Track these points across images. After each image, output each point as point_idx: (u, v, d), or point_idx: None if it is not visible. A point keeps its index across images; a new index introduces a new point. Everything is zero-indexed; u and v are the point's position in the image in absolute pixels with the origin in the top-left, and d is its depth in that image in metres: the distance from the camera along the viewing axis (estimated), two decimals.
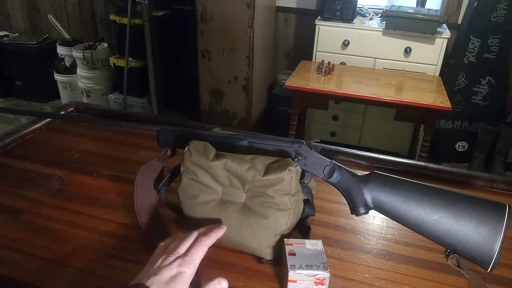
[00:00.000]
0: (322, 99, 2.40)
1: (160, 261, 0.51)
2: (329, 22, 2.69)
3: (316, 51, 2.76)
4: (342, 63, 2.72)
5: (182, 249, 0.54)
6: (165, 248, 0.55)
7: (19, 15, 3.86)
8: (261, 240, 0.67)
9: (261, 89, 3.15)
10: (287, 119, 2.56)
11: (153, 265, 0.51)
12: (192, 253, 0.53)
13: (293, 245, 0.66)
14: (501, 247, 0.57)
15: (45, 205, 0.82)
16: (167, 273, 0.49)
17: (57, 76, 3.47)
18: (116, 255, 0.70)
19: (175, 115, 3.40)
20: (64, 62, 3.50)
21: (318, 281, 0.61)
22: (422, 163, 0.98)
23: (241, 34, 2.73)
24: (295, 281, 0.61)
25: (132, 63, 3.15)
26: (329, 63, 2.51)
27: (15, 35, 3.74)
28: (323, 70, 2.47)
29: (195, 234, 0.57)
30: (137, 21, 3.01)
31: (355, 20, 2.73)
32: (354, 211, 0.66)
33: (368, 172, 0.68)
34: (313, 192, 0.72)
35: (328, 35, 2.70)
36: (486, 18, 2.63)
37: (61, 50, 3.47)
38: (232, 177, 0.68)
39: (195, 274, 0.52)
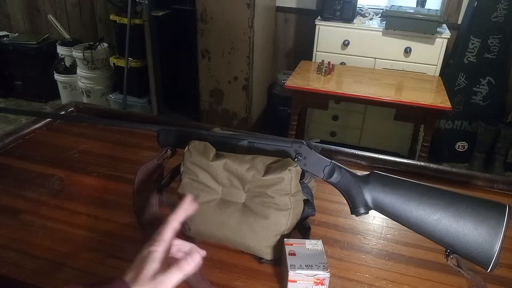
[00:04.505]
0: (322, 99, 2.40)
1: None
2: (329, 22, 2.69)
3: (316, 51, 2.76)
4: (342, 63, 2.72)
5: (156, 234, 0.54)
6: None
7: (19, 15, 3.86)
8: (261, 240, 0.67)
9: (261, 89, 3.15)
10: (287, 119, 2.55)
11: None
12: (161, 232, 0.53)
13: (293, 245, 0.66)
14: (501, 247, 0.57)
15: (45, 205, 0.82)
16: (138, 257, 0.50)
17: (57, 76, 3.46)
18: (116, 255, 0.70)
19: (175, 115, 3.40)
20: (64, 62, 3.50)
21: (318, 281, 0.61)
22: (422, 163, 0.98)
23: (241, 34, 2.73)
24: (295, 281, 0.61)
25: (132, 63, 3.15)
26: (329, 63, 2.51)
27: (15, 35, 3.74)
28: (323, 70, 2.47)
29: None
30: (137, 21, 3.01)
31: (355, 20, 2.73)
32: (354, 211, 0.66)
33: (368, 172, 0.68)
34: (313, 192, 0.72)
35: (328, 35, 2.70)
36: (486, 18, 2.63)
37: (61, 50, 3.47)
38: (232, 177, 0.68)
39: (196, 274, 0.52)
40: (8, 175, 0.92)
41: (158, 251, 0.50)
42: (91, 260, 0.69)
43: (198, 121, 3.10)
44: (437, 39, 2.53)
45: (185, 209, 0.56)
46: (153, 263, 0.49)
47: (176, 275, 0.50)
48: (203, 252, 0.54)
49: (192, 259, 0.51)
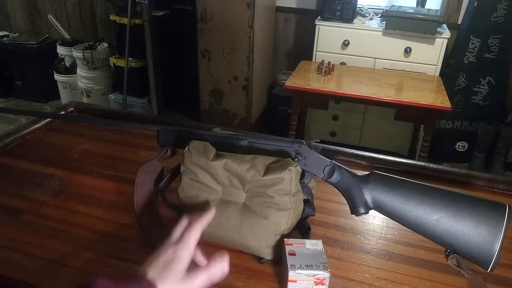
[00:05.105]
0: (322, 99, 2.40)
1: (157, 252, 0.52)
2: (329, 22, 2.69)
3: (316, 51, 2.76)
4: (342, 63, 2.72)
5: (176, 235, 0.54)
6: None
7: (19, 15, 3.86)
8: (261, 240, 0.67)
9: (261, 89, 3.15)
10: (287, 119, 2.55)
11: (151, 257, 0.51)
12: (186, 237, 0.53)
13: (293, 245, 0.66)
14: (501, 247, 0.57)
15: (45, 205, 0.82)
16: (162, 259, 0.49)
17: (57, 76, 3.47)
18: (116, 255, 0.70)
19: (175, 115, 3.40)
20: (64, 62, 3.50)
21: (318, 281, 0.61)
22: (422, 163, 0.98)
23: (241, 34, 2.73)
24: (295, 281, 0.61)
25: (132, 63, 3.15)
26: (329, 63, 2.51)
27: (15, 35, 3.74)
28: (323, 70, 2.47)
29: (185, 219, 0.57)
30: (137, 21, 3.01)
31: (355, 20, 2.73)
32: (354, 211, 0.67)
33: (368, 172, 0.68)
34: (313, 192, 0.72)
35: (328, 35, 2.70)
36: (486, 18, 2.63)
37: (61, 50, 3.47)
38: (232, 177, 0.68)
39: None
40: (8, 175, 0.92)
41: (183, 255, 0.50)
42: (91, 260, 0.69)
43: (198, 121, 3.09)
44: (437, 39, 2.53)
45: (207, 218, 0.56)
46: (180, 265, 0.49)
47: (202, 280, 0.49)
48: (202, 258, 0.54)
49: (220, 266, 0.51)
